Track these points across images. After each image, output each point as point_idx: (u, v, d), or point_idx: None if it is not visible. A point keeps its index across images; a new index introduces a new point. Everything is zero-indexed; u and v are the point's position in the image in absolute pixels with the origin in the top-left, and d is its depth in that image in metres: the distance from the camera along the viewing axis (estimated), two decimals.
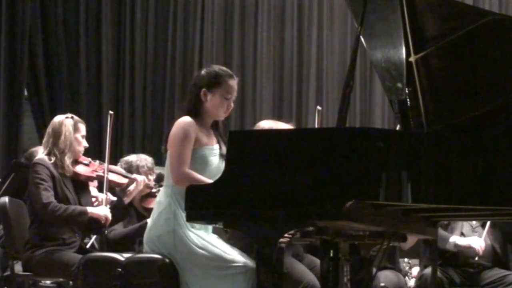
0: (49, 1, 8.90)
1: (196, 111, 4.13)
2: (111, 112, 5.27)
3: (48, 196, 4.77)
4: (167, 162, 4.15)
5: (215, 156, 4.12)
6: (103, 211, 4.90)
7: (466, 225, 5.81)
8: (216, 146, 4.16)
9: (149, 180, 5.36)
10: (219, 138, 4.20)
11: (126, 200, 5.17)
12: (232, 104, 4.18)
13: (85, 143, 5.04)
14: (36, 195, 4.79)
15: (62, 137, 4.92)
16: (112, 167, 5.24)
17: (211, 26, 8.86)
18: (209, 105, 4.12)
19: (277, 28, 8.81)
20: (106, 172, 5.05)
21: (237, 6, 8.87)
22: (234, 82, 4.17)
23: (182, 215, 3.95)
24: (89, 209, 4.86)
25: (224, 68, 4.26)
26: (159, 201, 4.12)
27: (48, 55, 8.84)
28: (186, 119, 4.07)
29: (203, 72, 4.19)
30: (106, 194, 5.03)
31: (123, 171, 5.26)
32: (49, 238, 4.84)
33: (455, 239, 5.64)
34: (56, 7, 8.91)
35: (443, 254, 5.67)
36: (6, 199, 5.12)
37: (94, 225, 4.95)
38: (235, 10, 8.86)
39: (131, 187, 5.22)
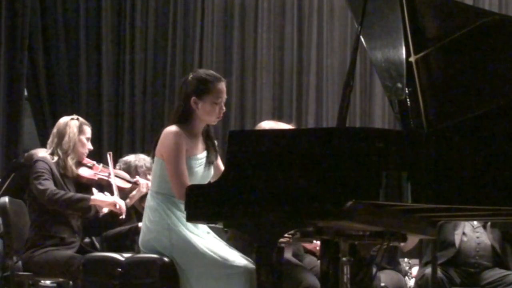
0: (49, 1, 8.89)
1: (186, 119, 4.09)
2: (110, 152, 5.28)
3: (47, 184, 4.82)
4: (154, 167, 4.14)
5: (200, 166, 4.10)
6: (110, 198, 4.89)
7: (467, 225, 5.81)
8: (203, 155, 4.14)
9: (148, 180, 5.36)
10: (209, 144, 4.17)
11: (129, 203, 5.16)
12: (223, 108, 4.13)
13: (89, 146, 5.06)
14: (36, 186, 4.84)
15: (66, 138, 4.95)
16: (117, 172, 5.24)
17: (211, 26, 8.85)
18: (201, 113, 4.08)
19: (277, 28, 8.80)
20: (112, 176, 5.05)
21: (237, 6, 8.86)
22: (222, 85, 4.11)
23: (176, 214, 3.98)
24: (93, 197, 4.87)
25: (210, 71, 4.20)
26: (149, 206, 4.10)
27: (48, 55, 8.83)
28: (174, 130, 4.02)
29: (190, 78, 4.11)
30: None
31: (127, 176, 5.26)
32: (49, 238, 4.84)
33: None
34: (56, 7, 8.90)
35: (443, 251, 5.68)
36: (6, 199, 5.12)
37: (109, 219, 4.98)
38: (235, 10, 8.85)
39: (134, 191, 5.22)
